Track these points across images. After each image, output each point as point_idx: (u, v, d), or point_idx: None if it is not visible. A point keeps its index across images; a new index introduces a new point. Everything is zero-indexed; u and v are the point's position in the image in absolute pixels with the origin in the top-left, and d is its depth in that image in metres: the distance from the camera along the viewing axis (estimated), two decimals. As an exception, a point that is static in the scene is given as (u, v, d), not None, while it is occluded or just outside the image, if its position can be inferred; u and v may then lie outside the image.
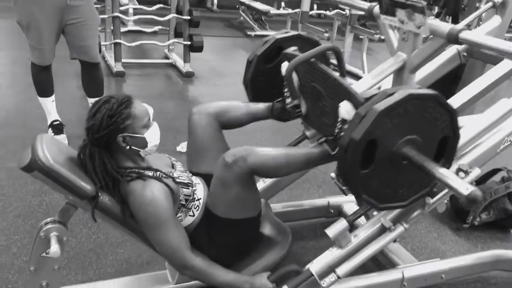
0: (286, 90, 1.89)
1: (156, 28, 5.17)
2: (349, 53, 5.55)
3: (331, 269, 1.70)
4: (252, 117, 1.90)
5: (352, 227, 1.72)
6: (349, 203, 2.46)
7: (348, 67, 5.58)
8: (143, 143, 1.55)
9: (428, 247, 2.38)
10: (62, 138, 3.01)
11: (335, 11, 5.90)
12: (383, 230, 1.74)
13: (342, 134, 1.57)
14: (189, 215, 1.63)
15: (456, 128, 1.49)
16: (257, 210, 1.69)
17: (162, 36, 5.56)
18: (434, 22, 1.78)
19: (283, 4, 6.43)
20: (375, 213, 1.81)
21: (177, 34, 5.12)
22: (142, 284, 1.84)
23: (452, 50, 2.13)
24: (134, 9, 5.64)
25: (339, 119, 1.58)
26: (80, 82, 3.09)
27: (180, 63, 5.01)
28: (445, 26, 1.69)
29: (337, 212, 2.46)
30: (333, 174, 1.99)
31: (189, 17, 4.67)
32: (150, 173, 1.54)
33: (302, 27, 5.30)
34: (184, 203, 1.61)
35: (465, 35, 1.61)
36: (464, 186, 1.28)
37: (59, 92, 2.99)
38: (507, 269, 2.18)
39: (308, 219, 2.43)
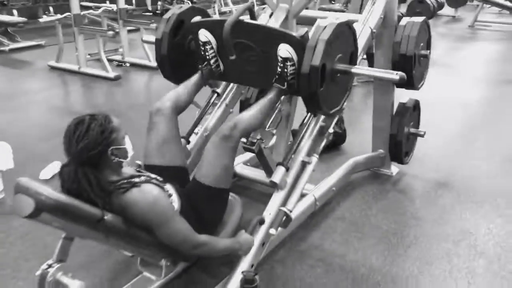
0: (210, 53, 2.14)
1: None
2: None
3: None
4: (194, 93, 2.18)
5: (288, 170, 2.16)
6: (239, 164, 2.86)
7: (133, 59, 5.76)
8: (126, 154, 1.63)
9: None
10: None
11: (102, 9, 5.89)
12: (304, 165, 2.23)
13: (286, 70, 1.95)
14: (171, 208, 1.79)
15: (356, 42, 2.11)
16: (231, 181, 1.99)
17: None
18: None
19: (52, 10, 6.03)
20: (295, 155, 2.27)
21: None
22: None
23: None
24: None
25: (280, 59, 1.95)
26: None
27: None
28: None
29: (233, 175, 2.83)
30: (243, 139, 2.37)
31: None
32: (138, 180, 1.63)
33: (79, 30, 5.16)
34: (167, 198, 1.75)
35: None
36: (394, 73, 2.03)
37: None
38: (360, 170, 2.97)
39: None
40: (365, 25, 2.52)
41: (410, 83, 2.67)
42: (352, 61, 2.12)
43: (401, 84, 2.74)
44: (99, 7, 6.09)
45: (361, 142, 3.35)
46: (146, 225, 1.63)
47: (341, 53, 2.00)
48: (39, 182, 1.45)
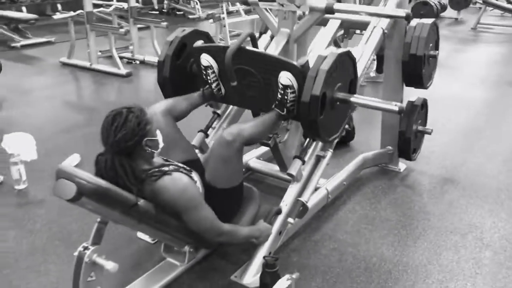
0: (211, 77, 2.19)
1: None
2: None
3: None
4: (192, 107, 2.23)
5: (304, 163, 2.26)
6: (252, 159, 2.97)
7: (142, 57, 5.86)
8: (158, 145, 1.73)
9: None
10: None
11: (112, 7, 6.00)
12: (318, 159, 2.33)
13: (287, 97, 2.01)
14: (197, 197, 1.89)
15: (356, 71, 2.17)
16: (243, 175, 2.08)
17: None
18: (310, 0, 2.36)
19: (59, 7, 6.14)
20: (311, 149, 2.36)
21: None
22: (158, 278, 1.99)
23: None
24: None
25: (281, 86, 2.02)
26: None
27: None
28: (321, 2, 2.32)
29: (247, 169, 2.94)
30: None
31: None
32: (167, 168, 1.74)
33: (91, 27, 5.27)
34: (193, 186, 1.86)
35: (338, 6, 2.27)
36: (393, 104, 2.00)
37: None
38: (369, 166, 3.07)
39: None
40: (377, 26, 2.63)
41: (419, 82, 2.78)
42: (352, 89, 2.16)
43: (410, 83, 2.87)
44: (109, 5, 6.20)
45: (369, 140, 3.45)
46: (176, 211, 1.73)
47: (340, 82, 2.05)
48: (75, 167, 1.55)
